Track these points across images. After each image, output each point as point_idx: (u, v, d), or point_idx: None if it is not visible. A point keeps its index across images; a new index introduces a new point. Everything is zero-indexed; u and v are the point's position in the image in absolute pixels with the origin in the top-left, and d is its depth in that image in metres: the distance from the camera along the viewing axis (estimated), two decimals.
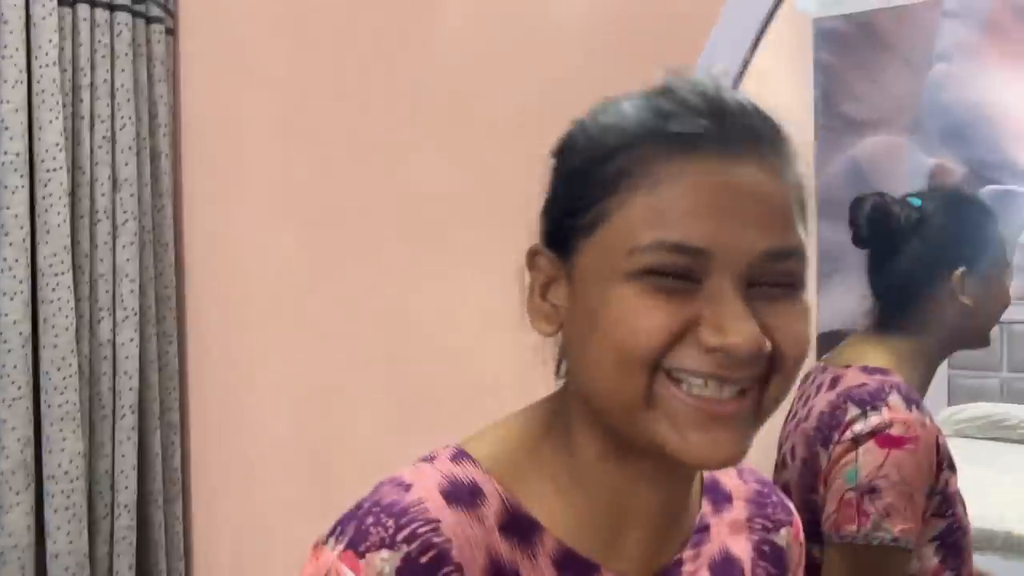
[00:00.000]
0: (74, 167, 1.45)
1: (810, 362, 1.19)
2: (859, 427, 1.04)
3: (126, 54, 1.49)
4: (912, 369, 1.13)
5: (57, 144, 1.40)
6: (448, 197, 1.40)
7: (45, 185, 1.39)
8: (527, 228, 0.59)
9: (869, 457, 1.03)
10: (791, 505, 0.71)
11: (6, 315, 1.36)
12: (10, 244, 1.36)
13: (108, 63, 1.48)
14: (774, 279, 0.51)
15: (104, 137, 1.48)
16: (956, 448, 1.99)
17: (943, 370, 2.01)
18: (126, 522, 1.48)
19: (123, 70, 1.49)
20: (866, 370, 1.11)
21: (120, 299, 1.49)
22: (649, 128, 0.53)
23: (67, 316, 1.40)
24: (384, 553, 0.51)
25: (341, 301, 1.50)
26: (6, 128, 1.36)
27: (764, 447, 1.20)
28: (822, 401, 1.13)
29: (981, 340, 1.18)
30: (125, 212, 1.49)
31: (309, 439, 1.55)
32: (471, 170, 1.38)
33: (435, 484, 0.55)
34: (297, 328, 1.55)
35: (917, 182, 3.07)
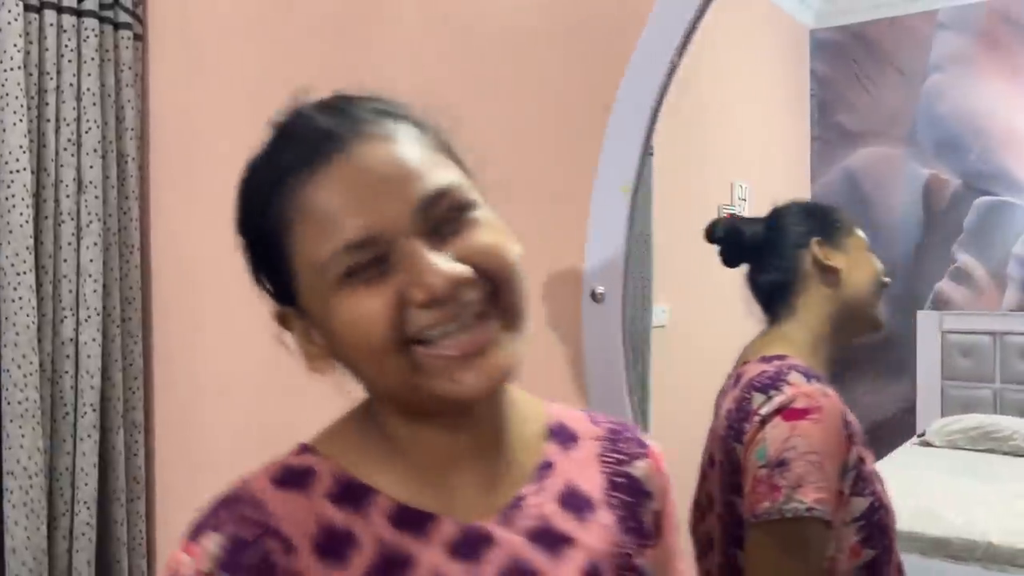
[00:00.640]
0: (39, 169, 1.48)
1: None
2: (765, 409, 1.03)
3: (93, 59, 1.52)
4: (811, 355, 1.14)
5: (21, 146, 1.43)
6: None
7: (8, 186, 1.42)
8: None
9: (776, 432, 1.02)
10: (650, 442, 0.75)
11: None
12: None
13: (75, 67, 1.51)
14: (445, 216, 0.58)
15: (70, 140, 1.50)
16: (948, 459, 1.97)
17: (936, 380, 2.00)
18: (85, 519, 1.50)
19: (89, 74, 1.52)
20: (764, 359, 1.11)
21: (84, 299, 1.51)
22: (278, 170, 0.60)
23: (28, 315, 1.43)
24: (214, 536, 0.58)
25: None
26: None
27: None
28: (728, 400, 1.13)
29: (868, 314, 1.18)
30: (90, 214, 1.52)
31: (271, 438, 1.56)
32: None
33: (268, 475, 0.63)
34: (259, 329, 1.56)
35: (912, 193, 3.05)
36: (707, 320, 1.67)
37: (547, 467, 0.68)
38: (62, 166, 1.50)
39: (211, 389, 1.62)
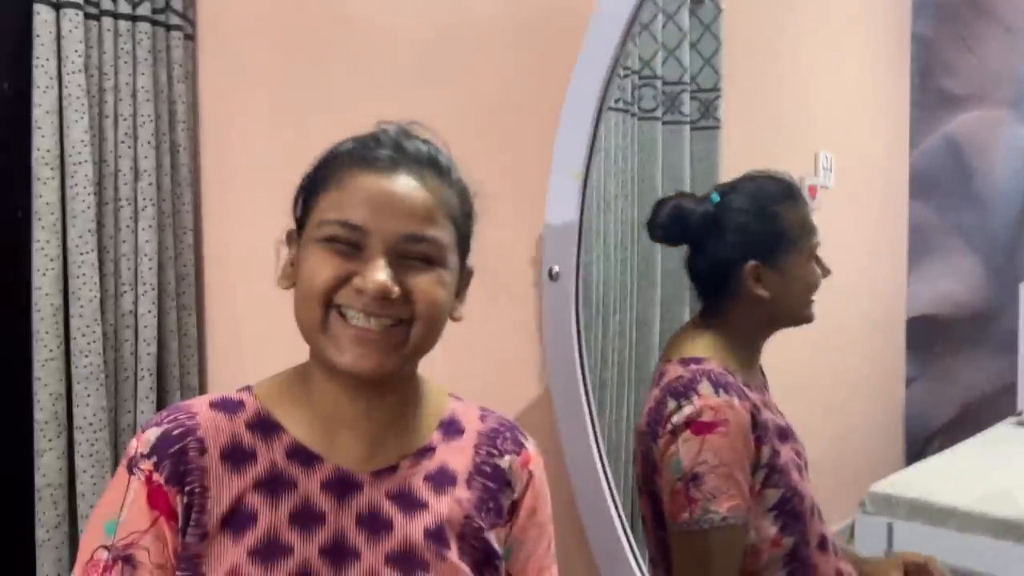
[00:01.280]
0: (99, 160, 1.66)
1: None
2: (676, 418, 1.09)
3: (146, 59, 1.69)
4: (729, 353, 1.15)
5: (82, 140, 1.61)
6: None
7: (72, 176, 1.61)
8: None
9: (687, 446, 1.07)
10: (528, 444, 0.93)
11: (39, 288, 1.59)
12: (43, 227, 1.59)
13: (130, 68, 1.68)
14: (416, 255, 0.78)
15: (127, 133, 1.68)
16: None
17: None
18: None
19: (143, 74, 1.69)
20: (683, 362, 1.15)
21: (141, 276, 1.69)
22: (343, 153, 0.83)
23: (91, 290, 1.62)
24: (154, 429, 0.81)
25: None
26: (39, 128, 1.58)
27: None
28: (650, 398, 1.17)
29: (800, 319, 1.17)
30: (145, 199, 1.69)
31: None
32: (471, 163, 1.49)
33: (209, 398, 0.84)
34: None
35: (1016, 159, 2.89)
36: None
37: (428, 450, 0.86)
38: (120, 157, 1.68)
39: (258, 356, 1.78)
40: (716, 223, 1.21)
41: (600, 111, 1.19)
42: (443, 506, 0.83)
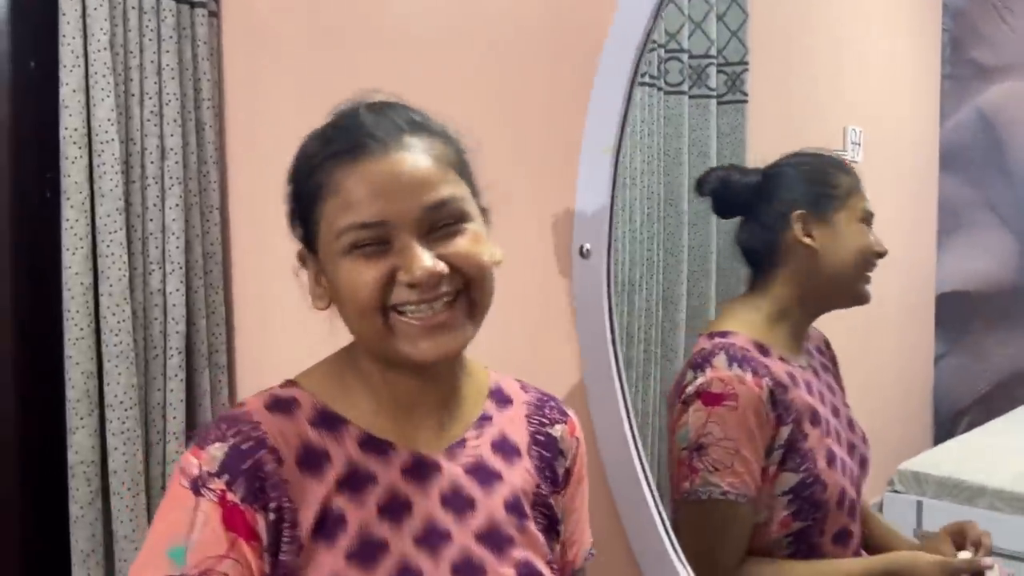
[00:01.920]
0: (126, 139, 1.66)
1: None
2: (689, 389, 1.07)
3: (171, 37, 1.69)
4: (769, 327, 1.13)
5: (109, 119, 1.61)
6: None
7: (100, 155, 1.61)
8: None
9: (696, 416, 1.06)
10: (570, 412, 0.92)
11: (69, 267, 1.60)
12: (71, 207, 1.59)
13: (155, 45, 1.68)
14: (442, 222, 0.74)
15: (152, 111, 1.68)
16: None
17: None
18: (175, 447, 1.71)
19: (168, 51, 1.69)
20: (710, 336, 1.13)
21: (168, 255, 1.70)
22: (326, 151, 0.76)
23: (120, 269, 1.63)
24: (217, 444, 0.74)
25: None
26: (66, 107, 1.58)
27: None
28: (679, 371, 1.16)
29: (847, 290, 1.14)
30: (171, 178, 1.69)
31: None
32: (497, 143, 1.48)
33: (262, 401, 0.79)
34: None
35: None
36: None
37: (486, 419, 0.84)
38: (146, 135, 1.68)
39: (286, 335, 1.78)
40: (764, 186, 1.20)
41: (632, 85, 1.17)
42: (516, 476, 0.83)
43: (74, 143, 1.59)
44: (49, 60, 1.60)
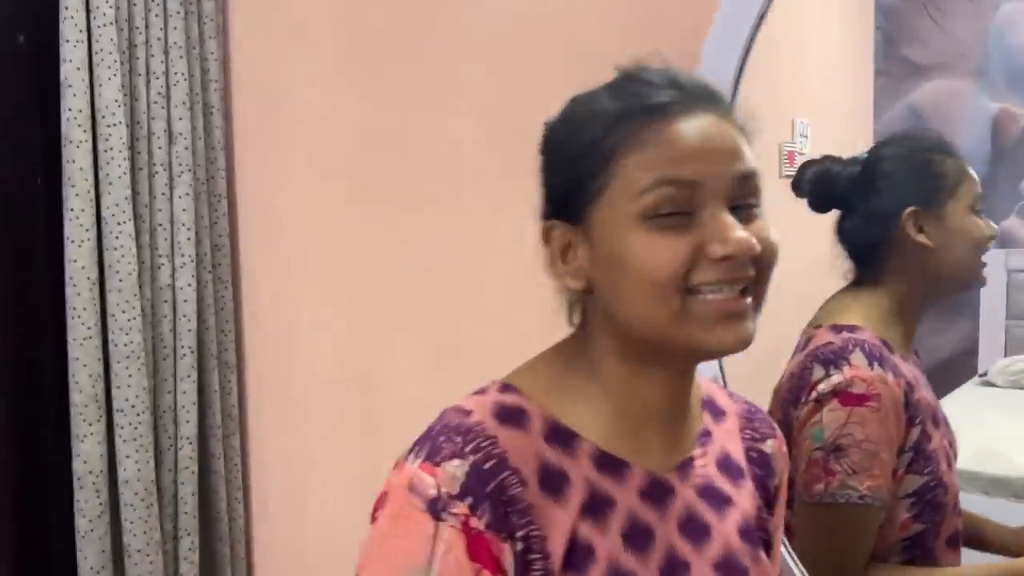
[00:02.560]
0: (132, 122, 1.54)
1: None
2: (823, 387, 1.05)
3: (178, 12, 1.57)
4: (889, 324, 1.13)
5: (116, 100, 1.48)
6: (486, 149, 1.46)
7: (107, 139, 1.48)
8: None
9: (833, 416, 1.04)
10: (774, 423, 0.84)
11: (74, 261, 1.47)
12: (76, 195, 1.46)
13: (162, 21, 1.56)
14: (744, 200, 0.65)
15: (159, 93, 1.56)
16: (1010, 399, 1.97)
17: (999, 320, 1.99)
18: (188, 453, 1.60)
19: (175, 28, 1.57)
20: (835, 328, 1.11)
21: (178, 246, 1.59)
22: (627, 105, 0.66)
23: (130, 262, 1.51)
24: (456, 462, 0.63)
25: (384, 246, 1.57)
26: (69, 86, 1.45)
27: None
28: (793, 363, 1.15)
29: (966, 280, 1.17)
30: (180, 165, 1.58)
31: (354, 378, 1.64)
32: (503, 121, 1.44)
33: (489, 410, 0.67)
34: (342, 272, 1.64)
35: (980, 128, 2.98)
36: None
37: (707, 435, 0.75)
38: (153, 119, 1.56)
39: (297, 331, 1.70)
40: (867, 178, 1.17)
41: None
42: (744, 500, 0.75)
43: (79, 125, 1.46)
44: (42, 35, 1.46)
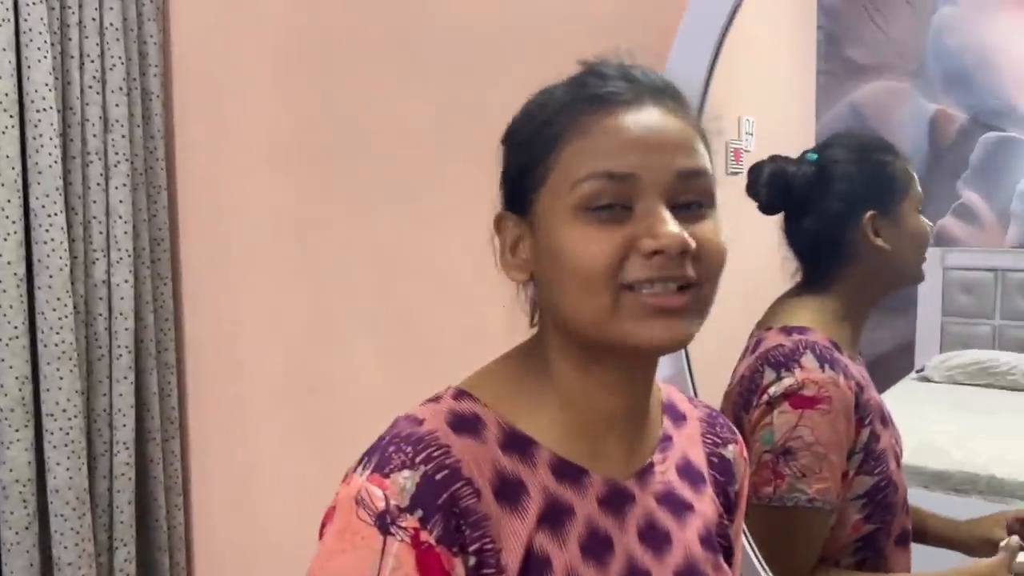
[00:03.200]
0: (65, 107, 1.45)
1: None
2: (774, 389, 1.03)
3: None
4: (838, 325, 1.12)
5: (47, 84, 1.39)
6: (441, 140, 1.40)
7: (36, 125, 1.39)
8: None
9: (783, 419, 1.02)
10: (735, 428, 0.82)
11: (0, 256, 1.37)
12: (2, 185, 1.37)
13: (96, 1, 1.46)
14: (688, 198, 0.62)
15: (94, 77, 1.47)
16: (947, 394, 1.98)
17: (935, 316, 2.01)
18: (124, 459, 1.51)
19: (112, 8, 1.48)
20: (785, 331, 1.10)
21: (114, 240, 1.50)
22: (574, 95, 0.65)
23: (61, 257, 1.42)
24: (406, 472, 0.60)
25: (334, 241, 1.50)
26: None
27: None
28: (744, 365, 1.12)
29: (912, 279, 1.17)
30: (117, 153, 1.49)
31: (301, 378, 1.57)
32: (464, 114, 1.38)
33: (442, 418, 0.64)
34: (290, 267, 1.56)
35: (918, 128, 3.02)
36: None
37: (667, 440, 0.74)
38: (87, 104, 1.46)
39: (242, 329, 1.62)
40: (821, 180, 1.15)
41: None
42: (705, 506, 0.74)
43: (4, 110, 1.36)
44: None
